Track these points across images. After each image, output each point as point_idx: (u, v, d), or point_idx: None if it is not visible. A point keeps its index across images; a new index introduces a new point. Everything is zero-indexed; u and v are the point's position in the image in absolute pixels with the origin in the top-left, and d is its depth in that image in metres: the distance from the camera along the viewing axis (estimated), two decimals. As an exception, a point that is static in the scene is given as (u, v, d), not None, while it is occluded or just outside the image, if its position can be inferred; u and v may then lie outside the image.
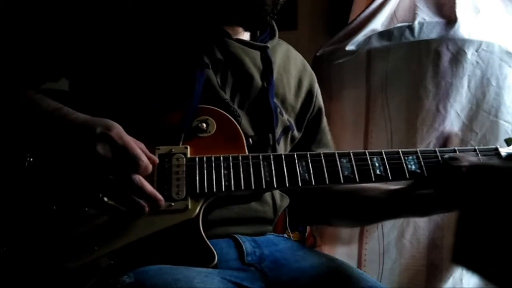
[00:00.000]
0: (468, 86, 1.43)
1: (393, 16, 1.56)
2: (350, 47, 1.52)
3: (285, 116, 0.98)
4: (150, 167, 0.74)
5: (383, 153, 0.83)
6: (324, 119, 1.11)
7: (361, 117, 1.54)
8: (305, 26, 2.59)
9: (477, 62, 1.41)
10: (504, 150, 0.87)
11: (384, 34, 1.50)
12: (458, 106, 1.43)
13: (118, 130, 0.74)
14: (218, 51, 0.90)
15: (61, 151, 0.75)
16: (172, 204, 0.77)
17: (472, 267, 0.36)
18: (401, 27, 1.48)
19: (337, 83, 1.56)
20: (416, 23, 1.46)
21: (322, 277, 0.84)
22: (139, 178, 0.72)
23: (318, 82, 1.12)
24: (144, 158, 0.73)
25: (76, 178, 0.74)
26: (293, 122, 1.01)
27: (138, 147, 0.74)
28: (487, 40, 1.41)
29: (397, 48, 1.48)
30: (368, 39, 1.52)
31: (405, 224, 1.48)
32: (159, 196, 0.75)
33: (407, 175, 0.82)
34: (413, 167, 0.83)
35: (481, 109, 1.43)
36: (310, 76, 1.08)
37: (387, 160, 0.82)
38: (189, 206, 0.78)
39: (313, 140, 1.08)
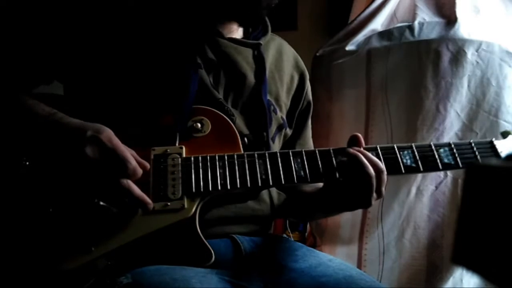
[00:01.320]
0: (468, 86, 1.42)
1: (393, 16, 1.55)
2: (350, 47, 1.52)
3: (279, 114, 0.98)
4: (139, 170, 0.75)
5: (378, 148, 0.84)
6: (310, 115, 1.12)
7: (361, 117, 1.54)
8: (305, 26, 2.59)
9: (477, 62, 1.41)
10: (499, 143, 0.87)
11: (384, 34, 1.50)
12: (458, 106, 1.43)
13: (108, 133, 0.74)
14: (210, 51, 0.90)
15: (53, 154, 0.76)
16: (168, 203, 0.78)
17: (472, 267, 0.35)
18: (401, 27, 1.48)
19: (337, 83, 1.55)
20: (416, 23, 1.46)
21: (322, 277, 0.84)
22: (127, 182, 0.73)
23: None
24: (133, 161, 0.73)
25: (69, 180, 0.74)
26: (285, 119, 1.01)
27: (127, 150, 0.74)
28: (487, 40, 1.41)
29: (397, 48, 1.48)
30: (368, 39, 1.51)
31: (405, 224, 1.48)
32: (147, 200, 0.75)
33: (403, 169, 0.82)
34: (408, 161, 0.83)
35: (481, 109, 1.42)
36: (302, 70, 1.08)
37: (382, 155, 0.83)
38: (185, 206, 0.78)
39: (299, 135, 1.09)
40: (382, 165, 0.80)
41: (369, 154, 0.81)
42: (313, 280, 0.84)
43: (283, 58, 1.04)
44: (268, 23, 1.02)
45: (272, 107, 0.96)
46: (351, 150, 0.81)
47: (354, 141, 0.85)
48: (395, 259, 1.48)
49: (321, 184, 0.92)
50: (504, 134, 0.91)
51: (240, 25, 0.95)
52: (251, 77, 0.93)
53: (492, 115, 1.42)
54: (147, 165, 0.78)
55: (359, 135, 0.85)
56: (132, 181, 0.74)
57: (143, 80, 0.86)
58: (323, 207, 0.93)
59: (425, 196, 1.47)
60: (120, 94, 0.86)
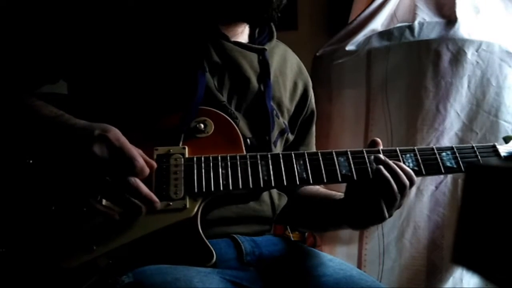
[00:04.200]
0: (468, 86, 1.42)
1: (393, 16, 1.56)
2: (350, 47, 1.52)
3: (281, 119, 0.98)
4: (147, 169, 0.75)
5: (381, 151, 0.83)
6: (314, 123, 1.12)
7: (361, 117, 1.54)
8: (305, 26, 2.59)
9: (477, 62, 1.41)
10: (502, 148, 0.87)
11: (384, 34, 1.50)
12: (458, 106, 1.43)
13: (115, 132, 0.74)
14: (215, 53, 0.90)
15: (59, 153, 0.76)
16: (170, 203, 0.78)
17: (472, 267, 0.36)
18: (401, 27, 1.48)
19: (337, 83, 1.56)
20: (416, 23, 1.46)
21: (322, 277, 0.84)
22: (135, 180, 0.73)
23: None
24: (140, 160, 0.73)
25: (74, 179, 0.74)
26: (287, 125, 1.01)
27: (134, 149, 0.74)
28: (487, 40, 1.41)
29: (397, 48, 1.48)
30: (368, 39, 1.51)
31: (405, 224, 1.48)
32: (155, 198, 0.75)
33: None
34: (411, 164, 0.83)
35: (481, 109, 1.43)
36: (306, 79, 1.08)
37: None
38: (187, 205, 0.78)
39: (303, 142, 1.09)
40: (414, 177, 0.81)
41: (403, 165, 0.81)
42: (313, 280, 0.84)
43: (287, 65, 1.04)
44: (274, 29, 1.02)
45: (275, 112, 0.96)
46: (382, 157, 0.80)
47: (373, 146, 0.85)
48: (395, 259, 1.48)
49: (337, 195, 0.92)
50: (507, 139, 0.90)
51: (250, 26, 0.95)
52: (255, 82, 0.93)
53: (492, 115, 1.42)
54: (154, 164, 0.78)
55: (379, 140, 0.85)
56: (140, 180, 0.74)
57: (149, 80, 0.86)
58: (339, 218, 0.92)
59: (425, 196, 1.47)
60: (125, 93, 0.86)
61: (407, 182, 0.79)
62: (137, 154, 0.74)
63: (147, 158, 0.77)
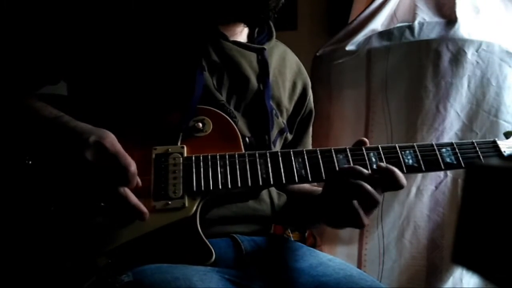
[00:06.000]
0: (468, 86, 1.43)
1: (393, 16, 1.56)
2: (350, 47, 1.52)
3: (280, 119, 0.98)
4: (138, 179, 0.75)
5: (380, 148, 0.83)
6: (312, 123, 1.12)
7: (361, 117, 1.54)
8: (305, 26, 2.59)
9: (477, 62, 1.41)
10: (502, 143, 0.86)
11: (384, 34, 1.50)
12: (458, 106, 1.43)
13: (111, 139, 0.74)
14: (214, 53, 0.90)
15: (56, 155, 0.76)
16: (169, 202, 0.78)
17: (472, 267, 0.36)
18: (401, 27, 1.48)
19: (337, 83, 1.56)
20: (416, 23, 1.46)
21: (322, 277, 0.84)
22: (124, 189, 0.73)
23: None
24: (132, 168, 0.73)
25: (68, 182, 0.74)
26: (286, 124, 1.01)
27: (128, 157, 0.74)
28: (487, 40, 1.41)
29: (397, 48, 1.48)
30: (368, 39, 1.52)
31: (405, 224, 1.48)
32: (143, 209, 0.75)
33: (405, 169, 0.81)
34: (410, 161, 0.82)
35: (481, 109, 1.43)
36: (305, 79, 1.08)
37: (384, 155, 0.82)
38: (186, 204, 0.78)
39: (300, 141, 1.09)
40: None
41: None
42: (313, 280, 0.84)
43: (286, 64, 1.04)
44: (273, 29, 1.02)
45: (274, 111, 0.96)
46: (383, 165, 0.79)
47: (360, 145, 0.84)
48: (395, 259, 1.48)
49: (317, 191, 0.92)
50: (507, 135, 0.89)
51: (247, 26, 0.95)
52: (254, 81, 0.93)
53: (492, 115, 1.42)
54: (139, 182, 0.77)
55: (366, 140, 0.84)
56: (130, 189, 0.74)
57: (147, 79, 0.86)
58: (319, 215, 0.91)
59: (425, 196, 1.47)
60: (124, 93, 0.86)
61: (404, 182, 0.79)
62: (131, 161, 0.74)
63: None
